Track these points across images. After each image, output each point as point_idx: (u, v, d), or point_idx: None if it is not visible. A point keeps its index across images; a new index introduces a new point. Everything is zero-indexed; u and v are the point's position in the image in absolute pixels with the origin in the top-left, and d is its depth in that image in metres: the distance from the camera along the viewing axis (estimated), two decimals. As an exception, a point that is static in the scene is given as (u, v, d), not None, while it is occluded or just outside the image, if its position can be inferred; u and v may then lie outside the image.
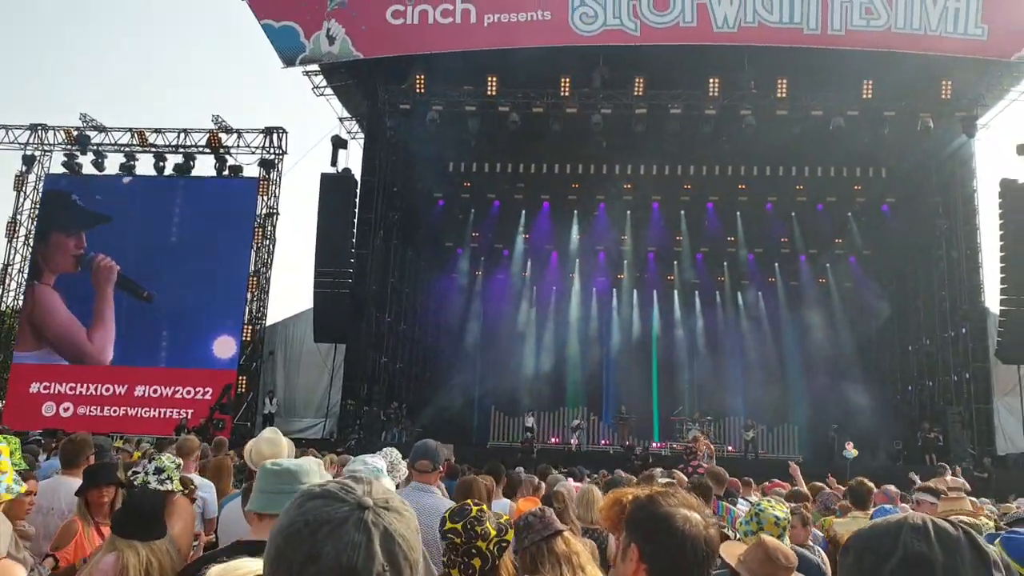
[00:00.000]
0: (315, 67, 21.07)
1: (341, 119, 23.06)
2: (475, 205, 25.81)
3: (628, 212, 25.44)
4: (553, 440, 24.32)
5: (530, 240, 26.20)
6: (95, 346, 21.78)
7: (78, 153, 23.12)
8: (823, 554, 4.66)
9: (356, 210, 20.96)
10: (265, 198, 22.81)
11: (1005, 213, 20.55)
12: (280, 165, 23.05)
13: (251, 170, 22.98)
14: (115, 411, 21.38)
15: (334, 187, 20.82)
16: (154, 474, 3.66)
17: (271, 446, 3.71)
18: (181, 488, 3.72)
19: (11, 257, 23.47)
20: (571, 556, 2.75)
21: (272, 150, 22.99)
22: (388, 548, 1.04)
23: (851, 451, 20.39)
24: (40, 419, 20.33)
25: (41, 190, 23.30)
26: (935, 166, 22.95)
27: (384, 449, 4.41)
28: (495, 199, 25.54)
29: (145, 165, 23.14)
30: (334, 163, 21.22)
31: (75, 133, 23.00)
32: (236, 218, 22.38)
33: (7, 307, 23.72)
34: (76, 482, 3.98)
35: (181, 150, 23.14)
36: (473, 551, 2.69)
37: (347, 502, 1.06)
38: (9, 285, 23.38)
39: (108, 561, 2.90)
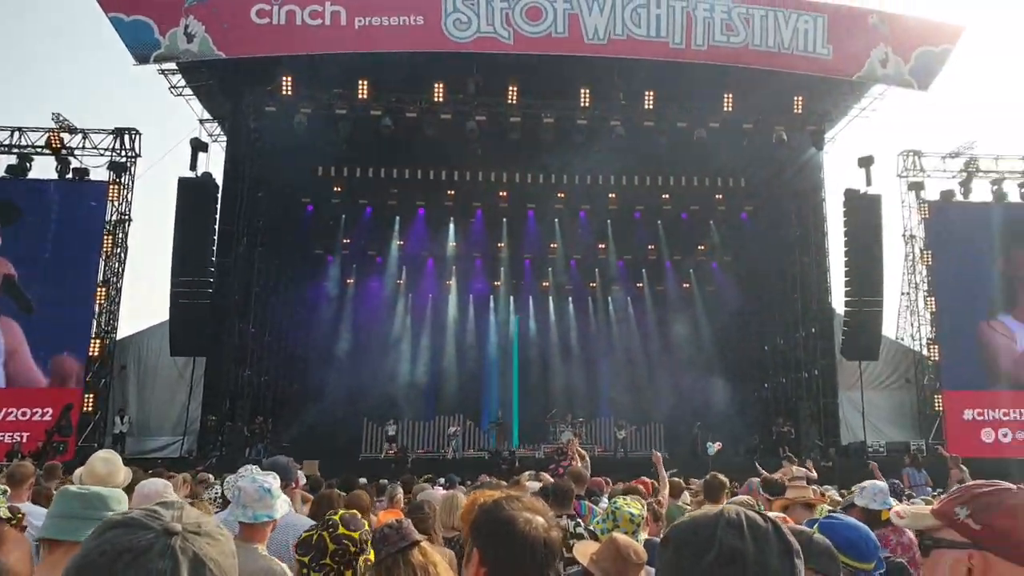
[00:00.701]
0: (172, 65, 19.66)
1: (202, 121, 21.63)
2: (346, 211, 25.06)
3: (504, 219, 25.56)
4: (420, 451, 23.98)
5: (405, 247, 25.74)
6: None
7: None
8: None
9: (217, 216, 19.80)
10: (116, 203, 21.07)
11: (848, 221, 22.19)
12: (133, 168, 21.37)
13: (100, 173, 21.19)
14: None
15: (193, 192, 19.58)
16: None
17: (106, 465, 3.54)
18: (9, 516, 3.29)
19: None
20: (428, 567, 2.71)
21: (123, 152, 21.28)
22: (198, 574, 1.00)
23: (714, 447, 21.38)
24: None
25: None
26: (789, 177, 24.48)
27: (243, 467, 4.15)
28: (367, 205, 24.90)
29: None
30: (193, 167, 19.92)
31: None
32: (83, 224, 20.54)
33: None
34: None
35: (15, 150, 20.95)
36: (352, 561, 2.73)
37: (152, 529, 1.02)
38: None
39: None
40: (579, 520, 4.98)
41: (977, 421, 22.61)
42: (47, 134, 20.82)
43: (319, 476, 12.28)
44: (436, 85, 20.27)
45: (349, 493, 5.58)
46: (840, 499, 7.73)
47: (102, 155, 21.23)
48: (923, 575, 1.36)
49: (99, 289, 20.52)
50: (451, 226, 25.53)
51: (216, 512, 4.78)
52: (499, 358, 26.61)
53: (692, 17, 19.94)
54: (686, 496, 7.97)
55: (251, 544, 3.29)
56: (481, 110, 20.72)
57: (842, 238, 22.37)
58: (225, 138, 21.71)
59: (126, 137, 21.32)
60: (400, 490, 7.62)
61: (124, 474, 3.64)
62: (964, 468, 12.55)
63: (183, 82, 20.56)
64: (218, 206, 19.83)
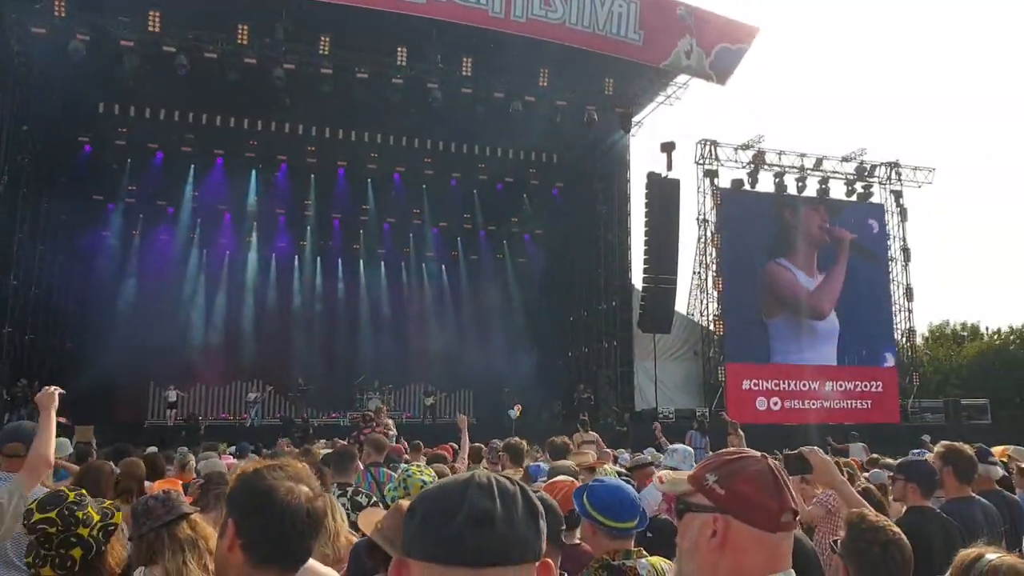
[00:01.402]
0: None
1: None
2: (133, 155, 22.84)
3: (312, 176, 24.49)
4: (220, 416, 22.83)
5: (200, 198, 23.92)
6: None
7: None
8: None
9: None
10: None
11: (650, 202, 23.66)
12: None
13: None
14: None
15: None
16: None
17: None
18: None
19: None
20: (198, 541, 2.54)
21: None
22: None
23: (516, 411, 22.19)
24: None
25: None
26: (598, 156, 25.55)
27: None
28: (158, 149, 22.83)
29: None
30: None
31: None
32: None
33: None
34: None
35: None
36: (72, 540, 2.49)
37: None
38: None
39: None
40: (357, 488, 4.93)
41: (753, 390, 25.06)
42: None
43: (90, 444, 11.35)
44: (240, 27, 18.94)
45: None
46: (627, 462, 8.43)
47: None
48: (678, 537, 1.41)
49: None
50: (253, 179, 24.06)
51: None
52: (304, 321, 25.70)
53: (513, -13, 20.04)
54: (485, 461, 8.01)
55: None
56: (290, 58, 19.61)
57: (643, 218, 23.84)
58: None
59: None
60: (192, 458, 7.46)
61: None
62: (741, 433, 13.62)
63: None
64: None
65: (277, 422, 22.53)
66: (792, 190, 26.14)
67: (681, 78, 23.48)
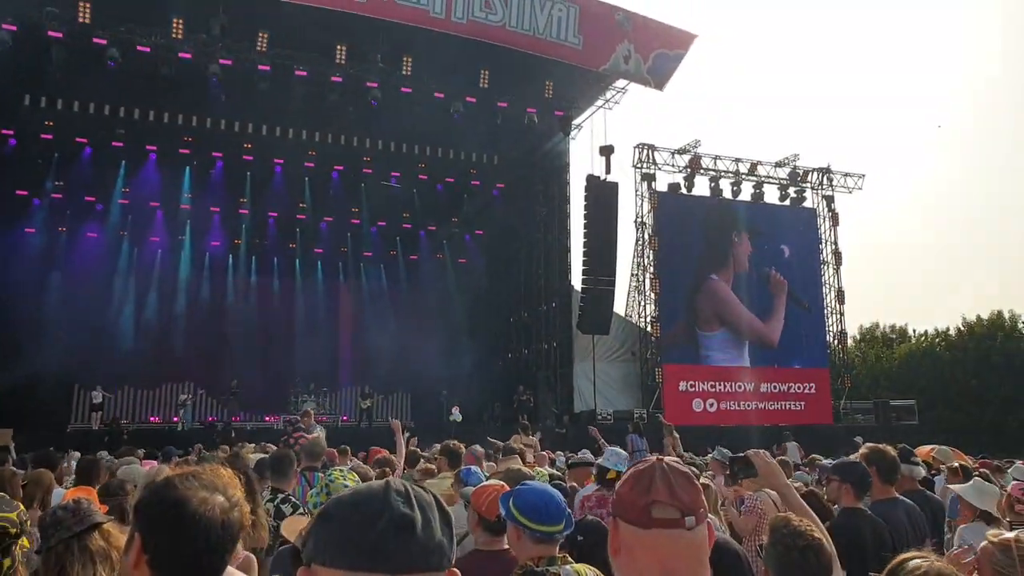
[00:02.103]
0: None
1: None
2: (60, 149, 22.55)
3: (248, 173, 24.50)
4: (150, 420, 22.66)
5: (131, 194, 23.73)
6: None
7: None
8: None
9: None
10: None
11: (589, 205, 24.32)
12: None
13: None
14: None
15: None
16: None
17: None
18: None
19: None
20: (110, 552, 2.43)
21: None
22: None
23: (457, 414, 22.63)
24: None
25: None
26: (538, 158, 26.20)
27: None
28: (87, 144, 22.60)
29: None
30: None
31: None
32: None
33: None
34: None
35: None
36: (11, 547, 2.38)
37: None
38: None
39: None
40: (289, 496, 4.92)
41: (690, 392, 25.91)
42: None
43: (7, 448, 11.30)
44: (175, 21, 19.01)
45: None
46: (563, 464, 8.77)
47: None
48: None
49: None
50: (186, 176, 23.98)
51: None
52: (238, 322, 25.65)
53: (453, -12, 20.52)
54: (423, 464, 7.96)
55: None
56: (226, 54, 19.76)
57: (582, 220, 24.51)
58: None
59: None
60: (103, 463, 6.96)
61: None
62: (676, 435, 14.11)
63: None
64: None
65: (216, 425, 22.54)
66: (728, 194, 27.26)
67: (620, 82, 24.26)
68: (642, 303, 26.99)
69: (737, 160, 27.44)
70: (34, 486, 4.66)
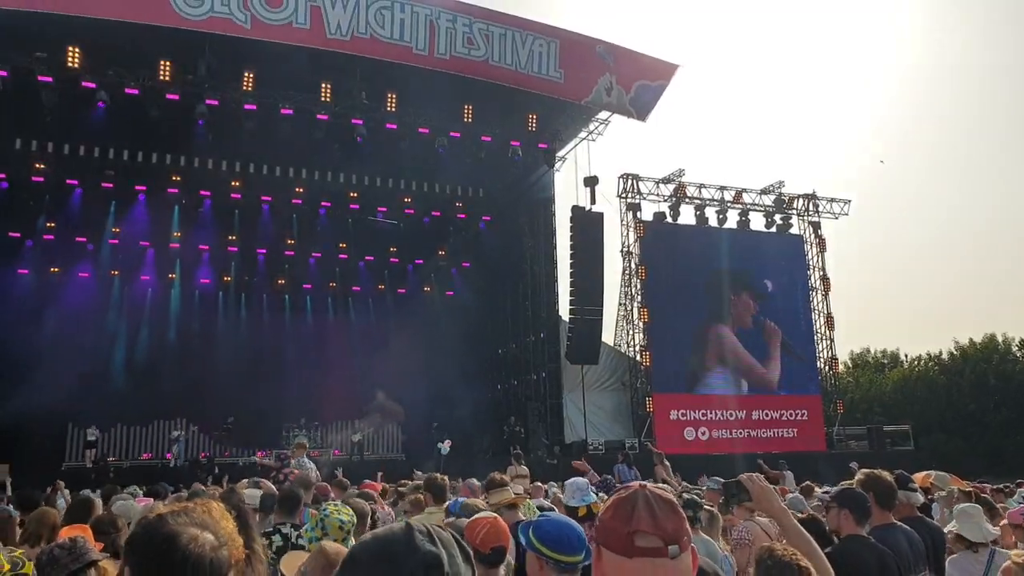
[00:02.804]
0: None
1: None
2: (51, 191, 23.17)
3: (236, 211, 25.08)
4: (143, 457, 22.95)
5: (121, 234, 24.32)
6: None
7: None
8: None
9: None
10: None
11: (575, 236, 24.80)
12: None
13: None
14: None
15: None
16: None
17: None
18: None
19: None
20: None
21: None
22: None
23: (445, 447, 22.85)
24: None
25: None
26: (523, 190, 26.77)
27: None
28: (77, 186, 23.23)
29: None
30: None
31: None
32: None
33: None
34: None
35: None
36: None
37: None
38: None
39: None
40: (278, 527, 4.94)
41: (681, 420, 26.19)
42: None
43: (4, 484, 11.46)
44: (162, 63, 19.69)
45: (31, 512, 5.14)
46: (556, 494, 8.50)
47: None
48: None
49: None
50: (175, 215, 24.59)
51: None
52: (229, 358, 26.02)
53: (436, 26, 21.07)
54: (412, 496, 7.58)
55: None
56: (213, 94, 20.40)
57: (568, 251, 24.98)
58: None
59: None
60: (97, 502, 7.03)
61: None
62: (667, 464, 14.18)
63: None
64: None
65: (201, 461, 22.83)
66: (713, 222, 27.78)
67: (603, 114, 24.80)
68: (631, 332, 27.39)
69: (722, 188, 28.01)
70: (38, 524, 4.66)
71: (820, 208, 29.75)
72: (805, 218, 29.65)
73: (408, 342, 27.53)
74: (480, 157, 23.51)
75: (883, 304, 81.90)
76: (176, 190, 24.07)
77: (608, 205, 26.07)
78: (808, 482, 11.42)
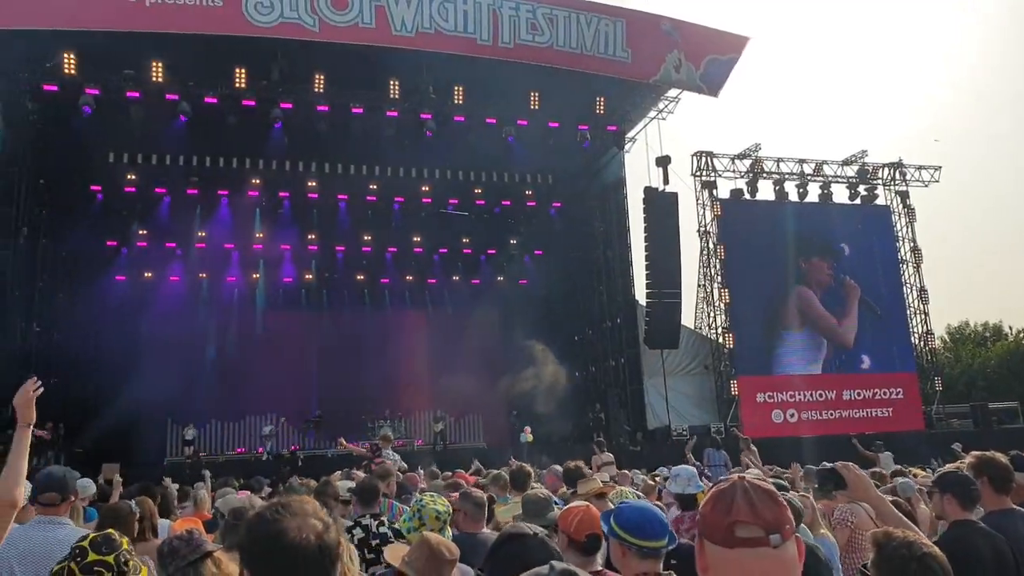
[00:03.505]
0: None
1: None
2: (141, 200, 24.73)
3: (314, 210, 26.09)
4: (235, 451, 24.29)
5: (207, 238, 25.72)
6: None
7: None
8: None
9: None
10: None
11: (648, 217, 24.76)
12: None
13: None
14: None
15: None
16: None
17: None
18: None
19: None
20: None
21: None
22: None
23: (527, 435, 23.28)
24: None
25: None
26: (593, 174, 26.89)
27: None
28: (165, 194, 24.72)
29: None
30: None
31: None
32: None
33: None
34: None
35: None
36: None
37: None
38: None
39: None
40: (382, 520, 5.09)
41: (768, 403, 25.78)
42: None
43: (113, 483, 12.45)
44: (237, 70, 20.73)
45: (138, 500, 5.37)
46: (653, 482, 8.82)
47: None
48: None
49: None
50: (257, 216, 25.80)
51: None
52: (314, 353, 27.20)
53: (498, 15, 21.38)
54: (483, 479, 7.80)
55: None
56: (286, 98, 21.37)
57: (642, 233, 25.00)
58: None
59: None
60: (203, 493, 7.63)
61: None
62: (754, 449, 14.10)
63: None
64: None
65: (284, 455, 23.98)
66: (793, 196, 27.24)
67: (672, 92, 24.63)
68: (712, 314, 27.12)
69: (801, 161, 27.43)
70: (143, 520, 5.00)
71: (908, 177, 28.78)
72: (892, 188, 28.74)
73: (484, 332, 28.01)
74: (548, 144, 23.76)
75: (981, 275, 77.80)
76: (256, 193, 25.23)
77: (682, 184, 25.94)
78: (898, 466, 11.04)
